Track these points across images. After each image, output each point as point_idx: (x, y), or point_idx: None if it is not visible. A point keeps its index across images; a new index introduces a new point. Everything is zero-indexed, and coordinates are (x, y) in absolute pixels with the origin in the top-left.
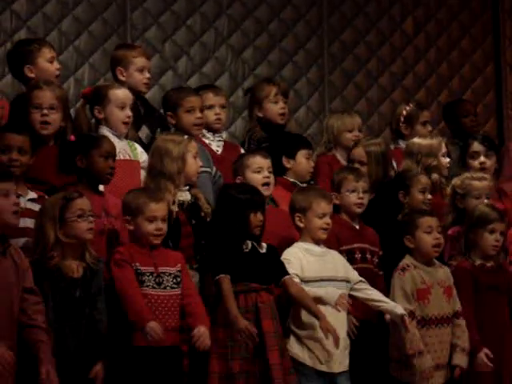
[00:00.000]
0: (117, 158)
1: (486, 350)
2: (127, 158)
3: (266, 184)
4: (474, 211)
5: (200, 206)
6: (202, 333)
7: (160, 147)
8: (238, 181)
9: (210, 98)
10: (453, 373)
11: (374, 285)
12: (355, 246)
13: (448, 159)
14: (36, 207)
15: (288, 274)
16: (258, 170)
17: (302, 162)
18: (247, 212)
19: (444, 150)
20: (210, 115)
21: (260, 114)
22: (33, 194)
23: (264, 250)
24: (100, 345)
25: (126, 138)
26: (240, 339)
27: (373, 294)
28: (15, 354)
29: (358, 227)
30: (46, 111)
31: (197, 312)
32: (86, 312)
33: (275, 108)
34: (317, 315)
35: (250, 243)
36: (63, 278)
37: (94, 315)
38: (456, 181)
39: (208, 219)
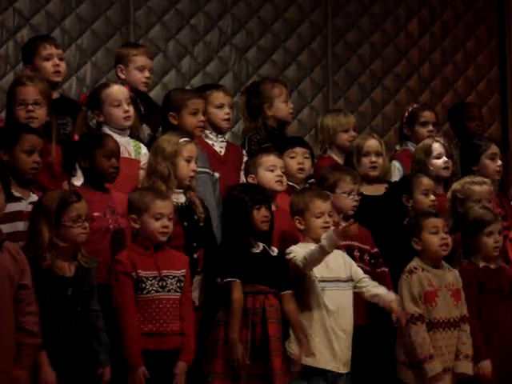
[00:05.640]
0: None
1: (489, 363)
2: (127, 156)
3: (279, 181)
4: (468, 215)
5: (194, 210)
6: (180, 371)
7: (156, 146)
8: (249, 179)
9: (221, 97)
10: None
11: None
12: (341, 243)
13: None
14: None
15: (290, 288)
16: (272, 168)
17: (286, 162)
18: (249, 209)
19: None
20: (220, 114)
21: (270, 113)
22: (34, 197)
23: (275, 254)
24: (105, 352)
25: (131, 137)
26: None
27: (372, 290)
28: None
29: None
30: (30, 107)
31: (185, 340)
32: (77, 311)
33: (286, 108)
34: (300, 341)
35: (261, 245)
36: (55, 277)
37: (92, 321)
38: (456, 185)
39: (201, 224)
